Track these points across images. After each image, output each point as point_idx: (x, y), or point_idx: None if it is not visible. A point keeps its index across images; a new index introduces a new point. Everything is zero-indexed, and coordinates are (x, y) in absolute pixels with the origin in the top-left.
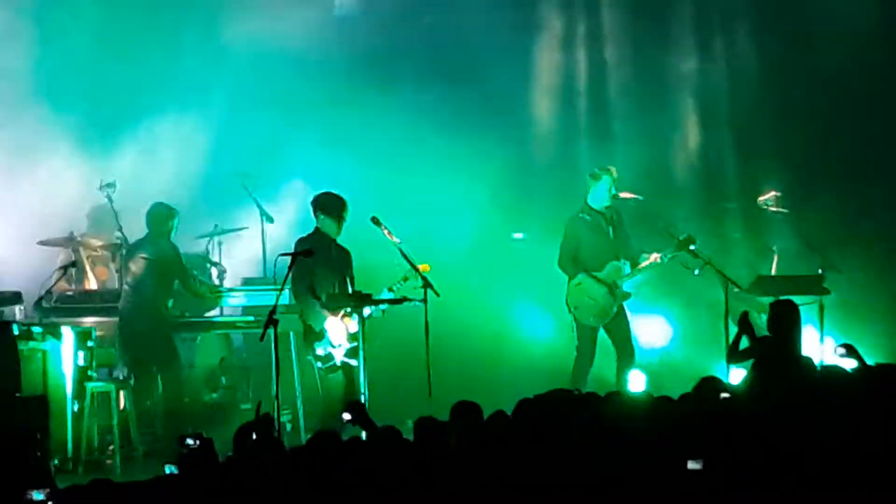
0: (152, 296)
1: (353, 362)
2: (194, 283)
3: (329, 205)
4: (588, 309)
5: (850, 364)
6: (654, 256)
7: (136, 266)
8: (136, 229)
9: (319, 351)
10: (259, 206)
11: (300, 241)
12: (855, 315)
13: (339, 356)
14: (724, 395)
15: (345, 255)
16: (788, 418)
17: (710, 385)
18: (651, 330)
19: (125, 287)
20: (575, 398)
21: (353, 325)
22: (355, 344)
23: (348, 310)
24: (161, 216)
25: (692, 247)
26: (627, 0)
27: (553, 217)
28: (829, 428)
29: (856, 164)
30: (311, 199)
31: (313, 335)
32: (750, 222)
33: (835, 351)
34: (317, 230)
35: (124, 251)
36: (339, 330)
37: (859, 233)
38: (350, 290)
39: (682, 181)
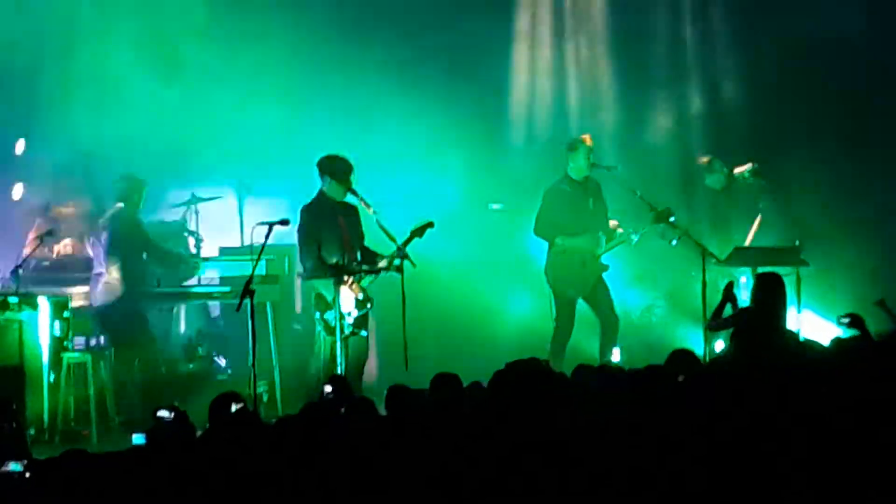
0: (118, 270)
1: (363, 332)
2: (162, 253)
3: (337, 168)
4: (566, 280)
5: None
6: (621, 234)
7: (102, 240)
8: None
9: (328, 321)
10: (239, 177)
11: (307, 208)
12: (832, 285)
13: (347, 325)
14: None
15: (352, 215)
16: (768, 387)
17: (682, 358)
18: None
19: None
20: (547, 370)
21: (360, 292)
22: (364, 311)
23: (357, 277)
24: (125, 188)
25: (671, 219)
26: None
27: (531, 188)
28: (807, 399)
29: (830, 135)
30: (315, 161)
31: (324, 304)
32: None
33: (839, 321)
34: (322, 194)
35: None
36: (348, 298)
37: (837, 204)
38: (359, 249)
39: (662, 151)
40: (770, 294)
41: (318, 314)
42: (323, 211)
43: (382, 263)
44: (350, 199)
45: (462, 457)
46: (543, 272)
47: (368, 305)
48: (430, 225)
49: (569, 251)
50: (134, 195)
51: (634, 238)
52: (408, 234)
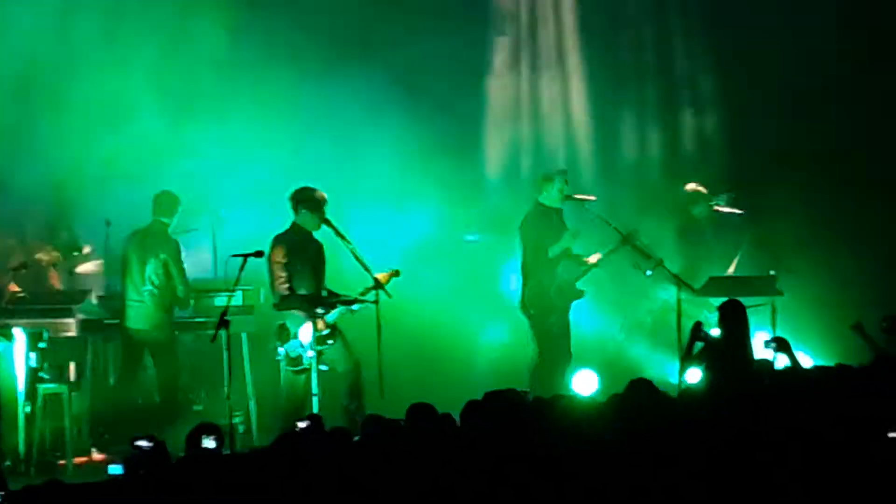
0: (159, 292)
1: (323, 367)
2: (187, 294)
3: (311, 200)
4: (549, 310)
5: (781, 360)
6: (593, 258)
7: (142, 257)
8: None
9: (289, 352)
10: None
11: (280, 237)
12: (808, 316)
13: (307, 358)
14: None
15: (320, 249)
16: (739, 418)
17: (641, 387)
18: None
19: (126, 276)
20: (523, 401)
21: (321, 326)
22: (326, 346)
23: (320, 311)
24: (170, 203)
25: (637, 242)
26: None
27: (504, 217)
28: (782, 425)
29: (804, 163)
30: (288, 193)
31: (286, 335)
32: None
33: (766, 344)
34: (295, 225)
35: (130, 239)
36: (309, 331)
37: (813, 234)
38: (322, 286)
39: (639, 181)
40: (734, 322)
41: (278, 345)
42: (295, 242)
43: (359, 294)
44: (319, 232)
45: (439, 485)
46: (520, 307)
47: (330, 342)
48: (396, 273)
49: (543, 281)
50: (176, 214)
51: (648, 273)
52: (372, 283)
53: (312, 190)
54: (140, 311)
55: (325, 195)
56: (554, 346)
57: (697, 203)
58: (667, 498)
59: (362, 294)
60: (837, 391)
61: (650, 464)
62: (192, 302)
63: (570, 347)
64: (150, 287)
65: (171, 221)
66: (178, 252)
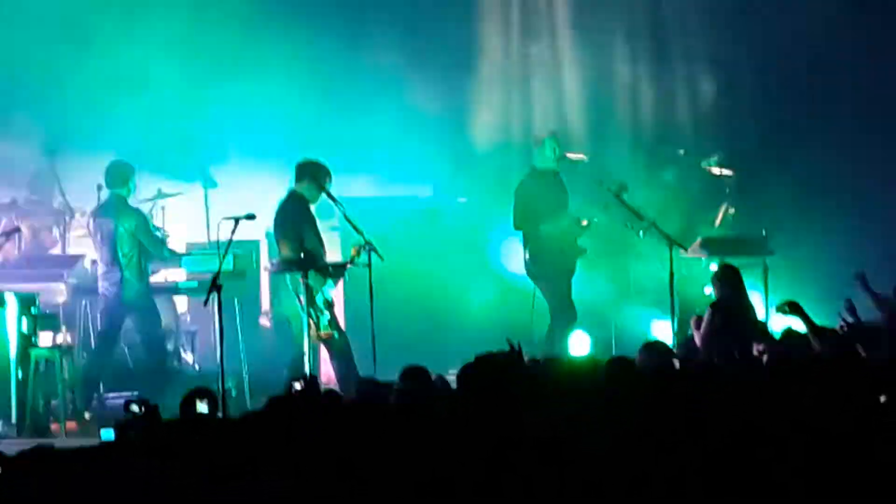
0: (129, 261)
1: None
2: (160, 249)
3: (317, 173)
4: (554, 268)
5: (792, 323)
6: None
7: (106, 230)
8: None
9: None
10: (202, 171)
11: (289, 204)
12: (799, 275)
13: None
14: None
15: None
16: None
17: (657, 348)
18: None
19: (98, 252)
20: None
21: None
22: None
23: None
24: (121, 173)
25: (624, 195)
26: None
27: (495, 180)
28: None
29: (800, 125)
30: (295, 162)
31: (312, 295)
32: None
33: (776, 309)
34: (296, 195)
35: (91, 216)
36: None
37: (806, 193)
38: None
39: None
40: (731, 286)
41: (305, 305)
42: (303, 209)
43: (351, 257)
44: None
45: (434, 453)
46: (525, 267)
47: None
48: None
49: (550, 239)
50: (130, 182)
51: (641, 233)
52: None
53: (319, 164)
54: (115, 279)
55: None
56: (563, 305)
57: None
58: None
59: (353, 257)
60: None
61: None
62: (167, 253)
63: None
64: (120, 258)
65: (127, 190)
66: (142, 219)
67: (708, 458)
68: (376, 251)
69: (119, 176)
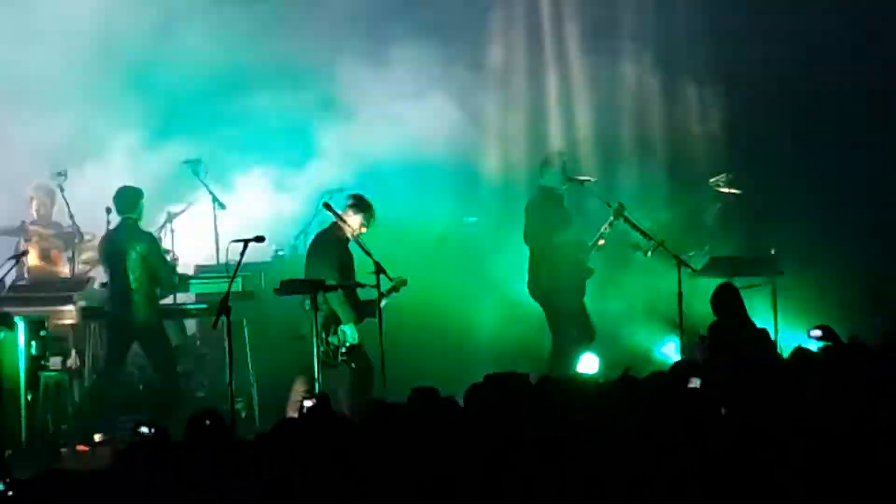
0: (140, 286)
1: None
2: (170, 275)
3: (366, 210)
4: (561, 288)
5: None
6: (601, 241)
7: (117, 255)
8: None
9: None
10: (210, 193)
11: (325, 236)
12: (807, 294)
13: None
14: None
15: None
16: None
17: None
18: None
19: (109, 276)
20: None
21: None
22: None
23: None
24: (130, 199)
25: (629, 217)
26: None
27: (502, 201)
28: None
29: (810, 141)
30: (348, 195)
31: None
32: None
33: (809, 334)
34: (338, 227)
35: (103, 242)
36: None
37: (815, 213)
38: None
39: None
40: (728, 306)
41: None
42: (342, 240)
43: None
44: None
45: (444, 469)
46: (532, 291)
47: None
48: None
49: (566, 258)
50: (139, 206)
51: (649, 254)
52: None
53: (368, 202)
54: (125, 303)
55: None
56: (570, 327)
57: None
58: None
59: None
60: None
61: (653, 452)
62: (176, 280)
63: (591, 324)
64: (131, 282)
65: (138, 214)
66: (154, 242)
67: (708, 461)
68: (385, 273)
69: (129, 201)
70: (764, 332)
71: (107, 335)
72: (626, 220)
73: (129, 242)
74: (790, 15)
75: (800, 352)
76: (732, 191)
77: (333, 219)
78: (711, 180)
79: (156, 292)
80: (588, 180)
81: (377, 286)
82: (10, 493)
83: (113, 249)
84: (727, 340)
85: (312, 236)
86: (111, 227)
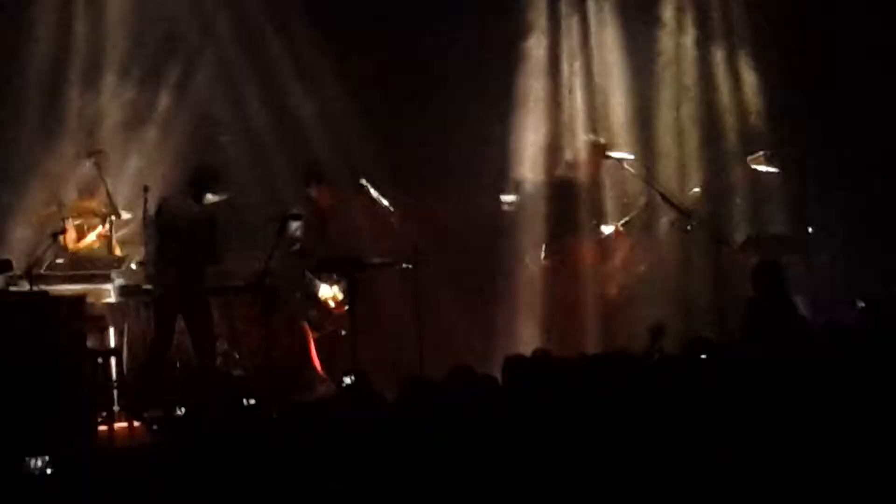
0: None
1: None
2: (214, 252)
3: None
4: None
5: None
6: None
7: (163, 231)
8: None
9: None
10: None
11: None
12: (843, 269)
13: None
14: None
15: None
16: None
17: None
18: None
19: (154, 253)
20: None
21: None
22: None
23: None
24: (206, 176)
25: (671, 198)
26: None
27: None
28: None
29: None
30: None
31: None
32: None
33: (855, 305)
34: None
35: (148, 218)
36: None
37: (850, 189)
38: None
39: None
40: (767, 283)
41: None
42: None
43: None
44: None
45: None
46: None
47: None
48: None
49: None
50: (213, 184)
51: (689, 227)
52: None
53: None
54: (169, 277)
55: None
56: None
57: None
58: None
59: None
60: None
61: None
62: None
63: None
64: (177, 258)
65: (200, 192)
66: (208, 219)
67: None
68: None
69: (198, 177)
70: (800, 315)
71: (153, 313)
72: (668, 199)
73: (184, 216)
74: None
75: (831, 327)
76: (770, 168)
77: None
78: (749, 158)
79: (202, 269)
80: (626, 158)
81: (414, 266)
82: (48, 469)
83: (158, 225)
84: (761, 319)
85: None
86: (159, 201)
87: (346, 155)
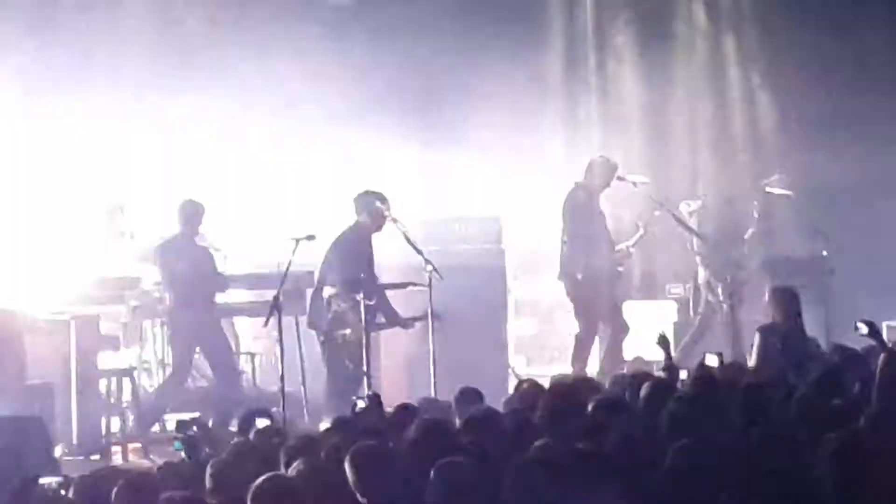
0: (200, 292)
1: None
2: (223, 285)
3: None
4: (593, 286)
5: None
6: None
7: (179, 267)
8: None
9: None
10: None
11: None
12: (859, 293)
13: None
14: None
15: None
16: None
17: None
18: None
19: (170, 284)
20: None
21: None
22: None
23: None
24: (192, 213)
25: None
26: None
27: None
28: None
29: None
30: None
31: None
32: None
33: (856, 328)
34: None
35: (159, 250)
36: None
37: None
38: None
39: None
40: (784, 310)
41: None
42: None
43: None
44: None
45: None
46: (560, 278)
47: None
48: None
49: (600, 256)
50: (196, 220)
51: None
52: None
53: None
54: (185, 313)
55: None
56: (607, 321)
57: None
58: None
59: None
60: None
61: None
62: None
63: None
64: (189, 293)
65: (194, 228)
66: (208, 257)
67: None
68: (437, 271)
69: (188, 214)
70: (813, 340)
71: (171, 344)
72: (682, 222)
73: (185, 255)
74: None
75: (840, 351)
76: (784, 192)
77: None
78: (763, 181)
79: (213, 300)
80: (641, 180)
81: (429, 286)
82: (64, 491)
83: (169, 260)
84: (774, 344)
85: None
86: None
87: None
